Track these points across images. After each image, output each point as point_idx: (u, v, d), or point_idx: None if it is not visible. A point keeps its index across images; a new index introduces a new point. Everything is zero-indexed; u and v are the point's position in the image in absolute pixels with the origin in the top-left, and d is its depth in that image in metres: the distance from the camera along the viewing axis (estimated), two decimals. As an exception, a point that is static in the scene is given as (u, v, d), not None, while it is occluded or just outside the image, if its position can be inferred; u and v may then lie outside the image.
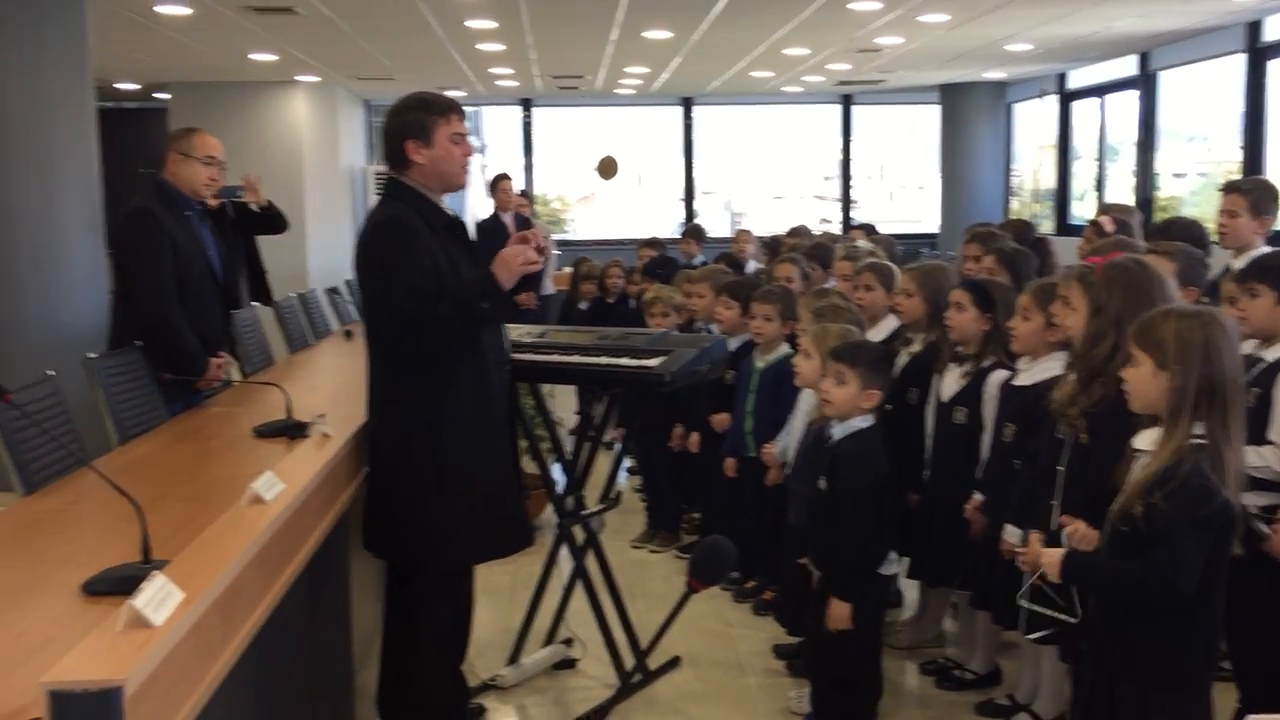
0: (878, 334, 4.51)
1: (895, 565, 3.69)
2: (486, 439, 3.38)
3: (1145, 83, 11.07)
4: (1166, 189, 11.30)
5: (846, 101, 15.20)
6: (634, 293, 7.52)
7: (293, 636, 2.85)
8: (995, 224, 6.70)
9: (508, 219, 8.86)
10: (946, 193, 14.30)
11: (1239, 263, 4.09)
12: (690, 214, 15.06)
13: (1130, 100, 11.38)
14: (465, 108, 3.62)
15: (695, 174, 15.36)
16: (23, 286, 6.39)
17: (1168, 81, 10.94)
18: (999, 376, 3.78)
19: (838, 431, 3.57)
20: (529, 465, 4.25)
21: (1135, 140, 11.26)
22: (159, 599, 1.92)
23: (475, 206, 12.77)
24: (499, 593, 4.85)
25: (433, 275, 3.20)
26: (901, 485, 3.96)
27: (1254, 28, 9.25)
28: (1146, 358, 2.55)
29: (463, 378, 3.29)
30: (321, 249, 12.49)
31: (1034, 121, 13.61)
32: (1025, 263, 4.51)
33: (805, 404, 4.21)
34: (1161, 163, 11.17)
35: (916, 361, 4.23)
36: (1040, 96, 13.03)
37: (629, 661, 4.04)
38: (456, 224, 3.43)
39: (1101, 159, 12.30)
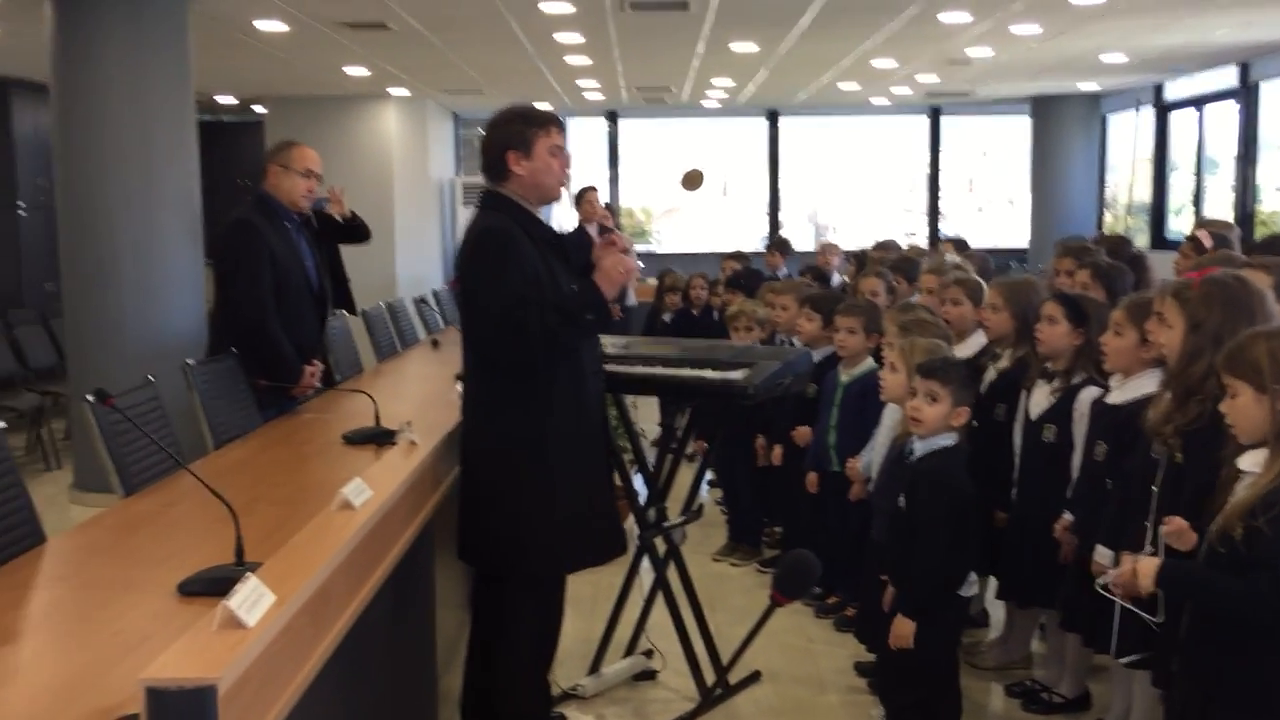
0: (966, 349, 4.44)
1: (974, 586, 3.63)
2: (585, 447, 3.41)
3: (1246, 94, 10.76)
4: (1268, 203, 10.96)
5: (935, 113, 15.03)
6: (718, 305, 7.51)
7: (378, 640, 2.89)
8: (1089, 238, 6.57)
9: (592, 230, 8.90)
10: (1037, 206, 14.04)
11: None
12: (775, 226, 14.99)
13: (1230, 111, 11.07)
14: (552, 120, 3.63)
15: (780, 186, 15.30)
16: (125, 293, 6.61)
17: (1269, 92, 10.62)
18: (1090, 394, 3.69)
19: (919, 448, 3.52)
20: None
21: (1235, 153, 10.95)
22: (252, 600, 1.97)
23: (559, 218, 12.86)
24: (580, 603, 4.86)
25: (535, 285, 3.23)
26: (987, 504, 3.90)
27: (1362, 37, 8.96)
28: (1244, 385, 2.46)
29: (563, 387, 3.32)
30: (410, 259, 12.69)
31: (1129, 133, 13.30)
32: (1120, 278, 4.42)
33: (889, 419, 4.16)
34: (1263, 176, 10.83)
35: (1004, 377, 4.16)
36: (1136, 108, 12.74)
37: (709, 674, 4.03)
38: (554, 235, 3.46)
39: (1200, 172, 11.97)
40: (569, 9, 7.42)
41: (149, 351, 6.41)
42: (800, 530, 4.94)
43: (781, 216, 15.32)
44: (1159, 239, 12.53)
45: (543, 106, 3.54)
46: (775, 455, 5.23)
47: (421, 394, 5.06)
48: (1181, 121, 12.44)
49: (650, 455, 4.60)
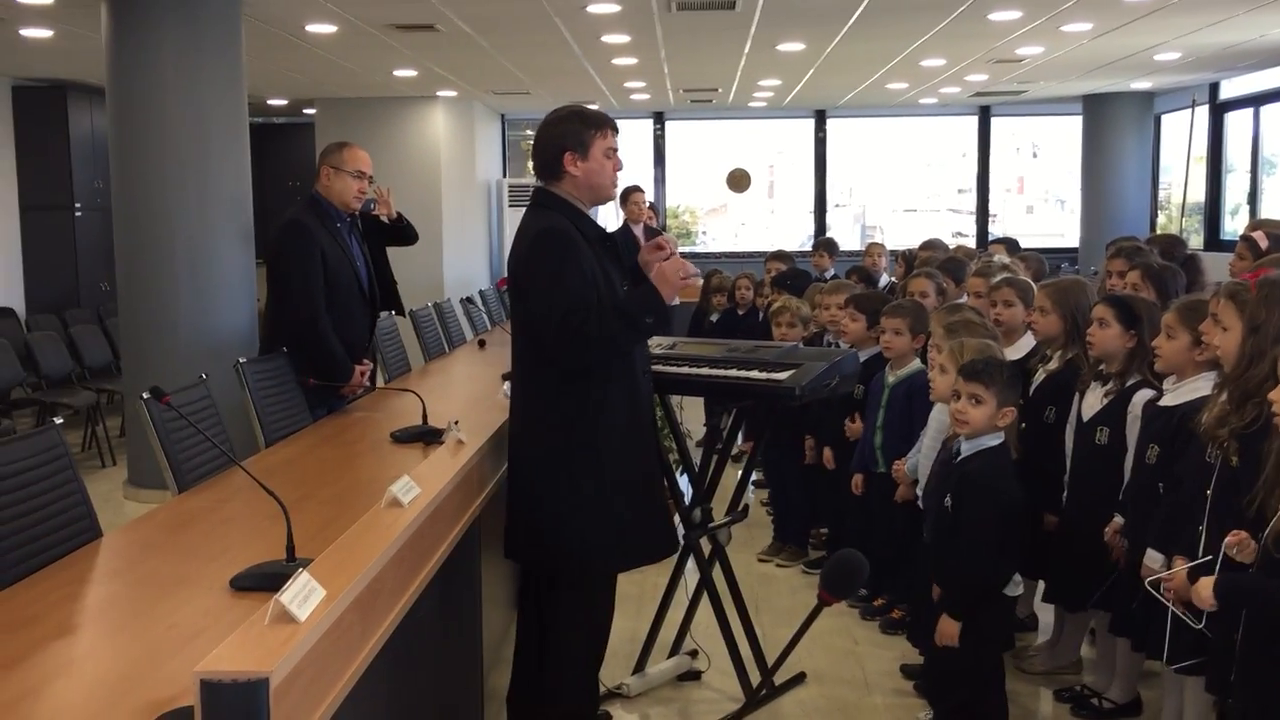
0: (1016, 351, 4.40)
1: (1019, 586, 3.60)
2: (638, 446, 3.41)
3: (1304, 92, 10.57)
4: (1326, 203, 10.77)
5: (984, 112, 14.89)
6: (763, 305, 7.48)
7: (426, 637, 2.91)
8: (1141, 238, 6.48)
9: (638, 231, 8.94)
10: (1088, 206, 13.86)
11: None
12: (822, 227, 14.93)
13: (1288, 111, 10.89)
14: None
15: (827, 186, 15.23)
16: (179, 293, 6.70)
17: (1329, 90, 10.43)
18: (1143, 396, 3.65)
19: (966, 449, 3.51)
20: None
21: (1293, 152, 10.77)
22: (303, 596, 1.99)
23: (604, 218, 12.89)
24: (626, 602, 4.85)
25: (593, 287, 3.24)
26: (1037, 506, 3.85)
27: None
28: None
29: (617, 388, 3.33)
30: (457, 260, 12.76)
31: (1183, 133, 13.10)
32: (1173, 279, 4.35)
33: (937, 420, 4.13)
34: (1321, 175, 10.65)
35: (1053, 380, 4.12)
36: (1191, 107, 12.54)
37: (754, 675, 4.02)
38: (605, 234, 3.47)
39: (1255, 172, 11.76)
40: (615, 9, 7.44)
41: (202, 350, 6.51)
42: (846, 531, 4.92)
43: (828, 217, 15.25)
44: (1213, 240, 12.33)
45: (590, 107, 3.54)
46: (827, 457, 5.19)
47: (468, 393, 5.09)
48: (1237, 121, 12.23)
49: (695, 455, 4.60)
